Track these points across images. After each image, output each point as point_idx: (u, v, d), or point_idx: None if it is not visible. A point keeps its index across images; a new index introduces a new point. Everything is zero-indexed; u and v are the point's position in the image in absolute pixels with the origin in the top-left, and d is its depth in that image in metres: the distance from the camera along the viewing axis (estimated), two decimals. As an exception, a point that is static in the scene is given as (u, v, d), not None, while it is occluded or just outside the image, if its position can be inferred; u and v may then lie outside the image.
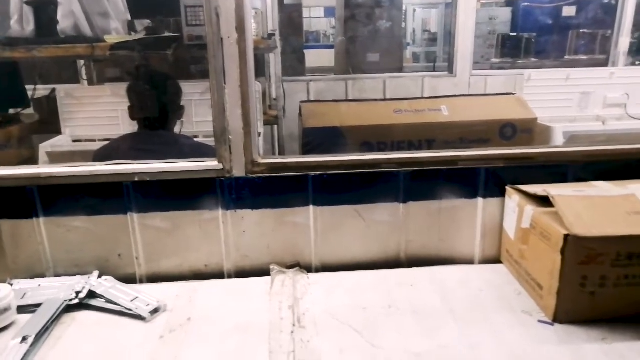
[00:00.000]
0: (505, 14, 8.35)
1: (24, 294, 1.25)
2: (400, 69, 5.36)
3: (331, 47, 6.88)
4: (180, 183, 1.38)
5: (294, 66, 4.93)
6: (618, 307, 1.13)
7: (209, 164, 1.37)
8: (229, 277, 1.46)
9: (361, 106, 2.36)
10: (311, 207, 1.41)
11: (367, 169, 1.38)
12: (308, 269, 1.45)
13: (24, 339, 1.07)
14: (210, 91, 1.31)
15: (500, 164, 1.39)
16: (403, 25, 8.69)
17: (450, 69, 3.40)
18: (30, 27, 2.32)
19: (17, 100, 2.67)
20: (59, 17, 2.28)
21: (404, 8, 8.45)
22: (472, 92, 3.26)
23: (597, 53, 5.90)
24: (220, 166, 1.36)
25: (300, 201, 1.40)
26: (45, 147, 2.63)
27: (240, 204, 1.40)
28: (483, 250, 1.46)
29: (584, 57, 5.95)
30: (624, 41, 3.24)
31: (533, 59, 6.40)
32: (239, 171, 1.37)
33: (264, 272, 1.43)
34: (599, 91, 3.29)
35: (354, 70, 5.05)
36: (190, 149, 2.06)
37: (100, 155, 2.04)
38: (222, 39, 1.25)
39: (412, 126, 2.16)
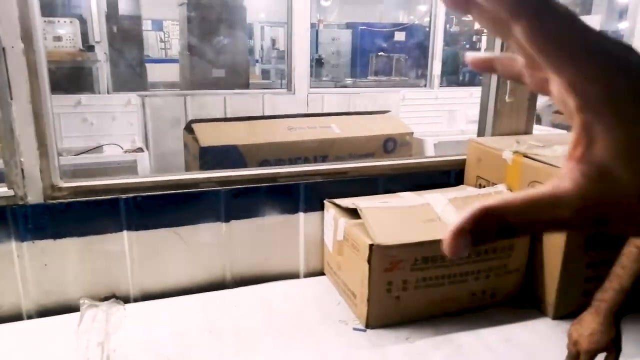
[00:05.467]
0: (346, 35, 8.94)
1: None
2: (246, 85, 5.37)
3: (176, 61, 6.65)
4: (-39, 214, 1.18)
5: (133, 80, 4.64)
6: (419, 307, 1.24)
7: (-3, 190, 1.19)
8: (29, 318, 1.28)
9: (255, 124, 2.32)
10: (125, 233, 1.31)
11: (185, 189, 1.33)
12: (126, 299, 1.34)
13: None
14: (-6, 107, 1.15)
15: (318, 179, 1.44)
16: (250, 42, 8.76)
17: (289, 86, 3.49)
18: None
19: None
20: None
21: (251, 25, 8.54)
22: (311, 109, 3.39)
23: (394, 75, 6.72)
24: (12, 192, 1.20)
25: (112, 227, 1.29)
26: None
27: (39, 234, 1.24)
28: (307, 264, 1.50)
29: (384, 78, 6.71)
30: (436, 65, 3.67)
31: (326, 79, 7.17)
32: (35, 197, 1.21)
33: (72, 308, 1.29)
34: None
35: (199, 85, 4.93)
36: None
37: None
38: (4, 48, 1.10)
39: (306, 143, 2.20)
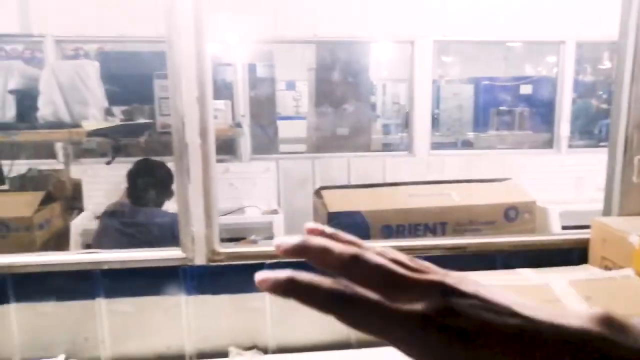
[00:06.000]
0: (469, 90, 8.90)
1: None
2: (368, 145, 5.62)
3: (304, 118, 7.21)
4: (146, 270, 1.49)
5: (267, 140, 5.14)
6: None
7: (173, 253, 1.49)
8: (190, 358, 1.54)
9: (377, 191, 2.52)
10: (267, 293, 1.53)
11: (318, 257, 1.52)
12: (264, 350, 1.55)
13: None
14: (176, 188, 1.46)
15: (437, 253, 1.55)
16: (373, 99, 9.13)
17: (409, 149, 3.65)
18: (11, 113, 2.48)
19: (-6, 178, 2.77)
20: (39, 104, 2.45)
21: (373, 83, 8.94)
22: (431, 171, 3.49)
23: (516, 129, 6.41)
24: (184, 255, 1.49)
25: (257, 287, 1.52)
26: (77, 225, 2.67)
27: (201, 289, 1.51)
28: (426, 332, 1.59)
29: (505, 133, 6.44)
30: (564, 126, 3.56)
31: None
32: (200, 259, 1.49)
33: (222, 354, 1.52)
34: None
35: (324, 141, 5.29)
36: (164, 229, 2.22)
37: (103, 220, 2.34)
38: (187, 143, 1.42)
39: (427, 210, 2.32)
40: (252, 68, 4.40)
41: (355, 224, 2.21)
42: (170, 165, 2.66)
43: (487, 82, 8.80)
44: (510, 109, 7.16)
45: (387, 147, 7.71)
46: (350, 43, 4.35)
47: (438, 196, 2.40)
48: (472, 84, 9.16)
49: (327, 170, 3.58)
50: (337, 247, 0.32)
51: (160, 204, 2.34)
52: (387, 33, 3.75)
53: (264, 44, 4.48)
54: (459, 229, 2.27)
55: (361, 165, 3.65)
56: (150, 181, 2.31)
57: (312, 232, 0.35)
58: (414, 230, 2.30)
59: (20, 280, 1.44)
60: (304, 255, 0.33)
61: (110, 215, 2.33)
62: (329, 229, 0.35)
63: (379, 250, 0.33)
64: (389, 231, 2.28)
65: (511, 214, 2.36)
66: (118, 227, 2.22)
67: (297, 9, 3.58)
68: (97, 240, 2.29)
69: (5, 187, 2.86)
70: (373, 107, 9.41)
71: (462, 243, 1.55)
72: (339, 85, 5.52)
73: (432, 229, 2.30)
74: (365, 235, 2.21)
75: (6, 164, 2.94)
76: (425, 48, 3.64)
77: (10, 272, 1.43)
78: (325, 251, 0.32)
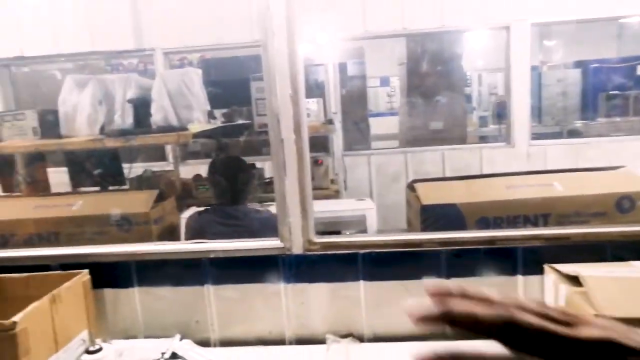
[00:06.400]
0: (575, 75, 8.24)
1: (121, 353, 1.50)
2: (463, 138, 5.41)
3: (396, 114, 7.13)
4: (248, 259, 1.61)
5: (359, 136, 5.17)
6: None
7: (272, 243, 1.58)
8: (290, 343, 1.63)
9: (473, 183, 2.46)
10: (361, 282, 1.57)
11: (411, 247, 1.54)
12: (360, 338, 1.59)
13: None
14: (273, 182, 1.55)
15: (537, 243, 1.49)
16: (468, 90, 8.78)
17: (508, 139, 3.49)
18: (129, 120, 2.76)
19: (116, 179, 3.11)
20: (152, 111, 2.70)
21: (468, 74, 8.60)
22: (532, 162, 3.31)
23: (631, 114, 5.72)
24: (282, 245, 1.58)
25: (351, 276, 1.57)
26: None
27: (299, 278, 1.59)
28: (527, 326, 1.53)
29: (618, 119, 5.78)
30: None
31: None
32: (297, 249, 1.57)
33: (320, 340, 1.59)
34: None
35: (417, 137, 5.19)
36: (258, 223, 2.34)
37: (191, 225, 2.44)
38: (282, 139, 1.50)
39: (527, 201, 2.23)
40: (342, 67, 4.47)
41: (449, 216, 2.18)
42: (267, 162, 2.80)
43: (596, 65, 8.09)
44: (623, 93, 6.51)
45: (484, 140, 7.36)
46: (441, 34, 4.25)
47: (539, 187, 2.28)
48: (579, 68, 8.46)
49: (420, 165, 3.54)
50: (482, 313, 0.32)
51: (243, 198, 2.41)
52: (479, 19, 3.61)
53: (353, 41, 4.53)
54: (564, 221, 2.14)
55: (456, 159, 3.56)
56: (229, 178, 2.39)
57: (436, 294, 0.33)
58: (513, 222, 2.20)
59: (141, 266, 1.62)
60: (449, 324, 0.33)
61: (203, 214, 2.46)
62: (453, 288, 0.33)
63: (524, 305, 0.32)
64: (486, 223, 2.21)
65: (625, 204, 2.17)
66: (213, 226, 2.34)
67: (385, 3, 3.58)
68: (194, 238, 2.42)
69: (126, 187, 3.19)
70: (468, 98, 9.05)
71: (565, 233, 1.47)
72: (431, 78, 5.38)
73: (532, 221, 2.19)
74: (460, 228, 2.16)
75: (126, 167, 3.28)
76: (522, 32, 3.46)
77: (134, 259, 1.62)
78: (472, 319, 0.33)
